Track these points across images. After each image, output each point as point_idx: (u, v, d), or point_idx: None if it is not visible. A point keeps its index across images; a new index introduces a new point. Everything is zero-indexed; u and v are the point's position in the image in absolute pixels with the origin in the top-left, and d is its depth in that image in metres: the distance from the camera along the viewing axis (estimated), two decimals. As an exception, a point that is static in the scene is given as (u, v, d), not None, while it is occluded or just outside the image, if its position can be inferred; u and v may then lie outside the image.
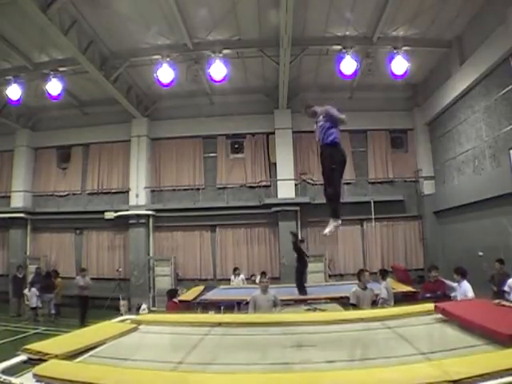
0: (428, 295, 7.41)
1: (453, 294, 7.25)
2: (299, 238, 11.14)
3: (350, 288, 7.19)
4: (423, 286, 8.34)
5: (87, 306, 11.13)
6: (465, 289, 6.78)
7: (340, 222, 4.40)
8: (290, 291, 8.52)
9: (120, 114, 14.09)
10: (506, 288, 7.07)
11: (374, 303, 6.92)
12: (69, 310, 12.06)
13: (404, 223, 13.77)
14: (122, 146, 14.76)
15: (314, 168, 13.69)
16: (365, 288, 6.81)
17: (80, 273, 11.88)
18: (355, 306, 6.55)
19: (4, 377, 2.30)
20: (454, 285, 7.26)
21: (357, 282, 7.08)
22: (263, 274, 12.14)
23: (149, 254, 14.04)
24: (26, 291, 12.31)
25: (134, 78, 12.91)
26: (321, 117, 4.59)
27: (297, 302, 7.81)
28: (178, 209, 13.88)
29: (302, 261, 8.89)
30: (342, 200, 4.70)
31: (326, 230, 4.47)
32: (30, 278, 13.27)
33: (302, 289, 8.53)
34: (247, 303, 7.50)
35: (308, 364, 2.63)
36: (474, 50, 10.09)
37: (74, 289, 11.63)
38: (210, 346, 3.24)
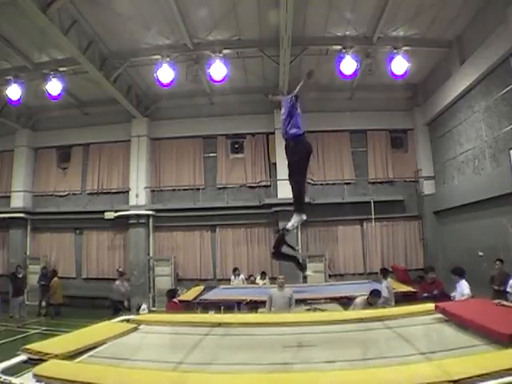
0: (425, 295, 7.42)
1: (452, 294, 7.26)
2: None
3: (350, 288, 7.18)
4: (420, 286, 8.36)
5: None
6: (462, 287, 6.79)
7: (304, 217, 4.02)
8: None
9: (120, 114, 14.09)
10: (508, 289, 7.07)
11: None
12: (69, 310, 12.05)
13: (404, 223, 13.77)
14: (122, 146, 14.77)
15: (313, 168, 13.67)
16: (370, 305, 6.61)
17: (119, 277, 11.02)
18: None
19: (4, 377, 2.30)
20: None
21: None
22: (263, 273, 12.24)
23: (149, 254, 14.04)
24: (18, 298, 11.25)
25: (134, 77, 12.91)
26: (283, 109, 4.15)
27: (297, 301, 7.81)
28: (178, 209, 13.88)
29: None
30: (306, 197, 4.14)
31: (289, 225, 4.14)
32: (28, 278, 13.27)
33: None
34: (247, 303, 7.51)
35: (308, 364, 2.62)
36: (474, 50, 10.09)
37: (113, 293, 10.78)
38: (210, 346, 3.24)
